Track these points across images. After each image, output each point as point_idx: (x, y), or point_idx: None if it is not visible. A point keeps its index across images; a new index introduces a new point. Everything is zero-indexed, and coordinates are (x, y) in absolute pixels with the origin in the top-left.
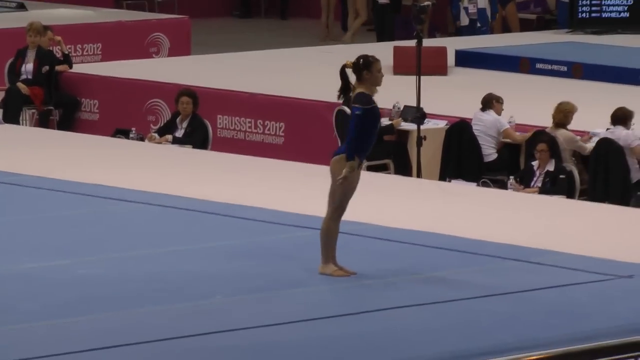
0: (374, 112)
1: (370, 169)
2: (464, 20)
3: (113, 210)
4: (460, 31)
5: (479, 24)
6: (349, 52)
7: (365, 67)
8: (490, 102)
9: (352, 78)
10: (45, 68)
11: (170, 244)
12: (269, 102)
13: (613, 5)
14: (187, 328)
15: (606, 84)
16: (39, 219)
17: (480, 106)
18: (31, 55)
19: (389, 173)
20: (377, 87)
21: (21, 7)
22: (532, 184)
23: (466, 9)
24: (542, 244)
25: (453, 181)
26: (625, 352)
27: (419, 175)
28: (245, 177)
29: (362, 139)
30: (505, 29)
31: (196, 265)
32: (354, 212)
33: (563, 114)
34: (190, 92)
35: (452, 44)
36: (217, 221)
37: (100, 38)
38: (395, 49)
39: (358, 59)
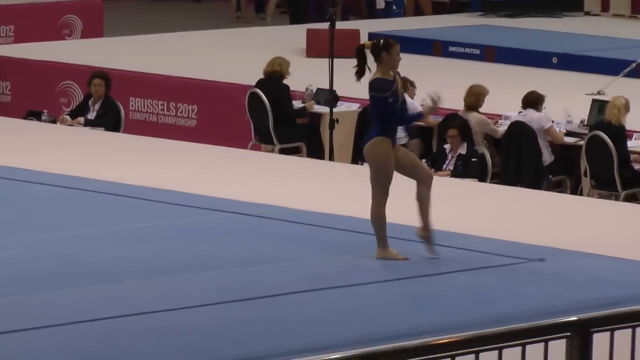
0: (394, 95)
1: (282, 151)
2: (380, 3)
3: (25, 192)
4: (376, 14)
5: (394, 7)
6: (261, 34)
7: (385, 48)
8: (404, 86)
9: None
10: None
11: (82, 226)
12: (182, 85)
13: None
14: (98, 311)
15: (518, 67)
16: None
17: None
18: None
19: (302, 156)
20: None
21: None
22: (444, 167)
23: None
24: (454, 227)
25: (365, 164)
26: (537, 336)
27: (331, 159)
28: (158, 160)
29: (386, 121)
30: (419, 12)
31: (108, 248)
32: (265, 196)
33: (475, 97)
34: (103, 74)
35: (366, 27)
36: (129, 204)
37: (12, 20)
38: (309, 31)
39: (378, 40)
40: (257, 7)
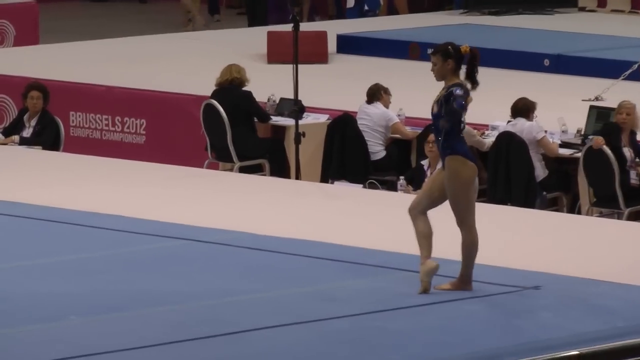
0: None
1: (243, 170)
2: (350, 2)
3: None
4: (346, 14)
5: (366, 7)
6: (216, 38)
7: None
8: (378, 94)
9: None
10: None
11: (16, 258)
12: (128, 97)
13: None
14: (37, 354)
15: (506, 71)
16: None
17: (366, 98)
18: None
19: (264, 174)
20: None
21: None
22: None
23: None
24: (437, 251)
25: (336, 182)
26: None
27: (297, 177)
28: (102, 181)
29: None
30: (392, 11)
31: (46, 282)
32: (224, 220)
33: None
34: (40, 86)
35: (334, 28)
36: (69, 231)
37: None
38: (269, 34)
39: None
40: (210, 8)
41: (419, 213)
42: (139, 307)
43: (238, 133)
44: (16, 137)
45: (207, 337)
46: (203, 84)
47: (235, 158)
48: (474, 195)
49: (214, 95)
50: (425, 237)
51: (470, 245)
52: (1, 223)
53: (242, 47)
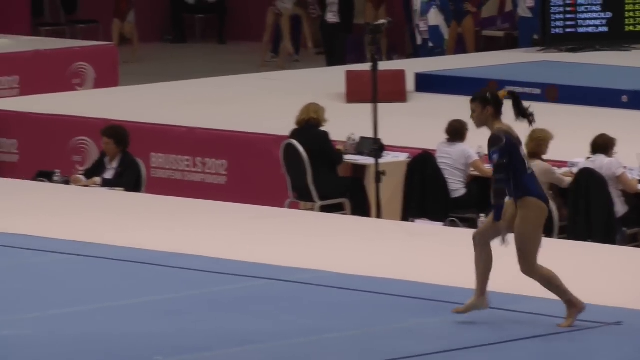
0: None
1: (323, 209)
2: (418, 40)
3: (36, 262)
4: (417, 52)
5: (430, 44)
6: (295, 78)
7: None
8: (460, 132)
9: None
10: None
11: (102, 299)
12: (209, 137)
13: (590, 19)
14: None
15: (585, 108)
16: None
17: (446, 136)
18: None
19: (345, 213)
20: None
21: None
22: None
23: (417, 26)
24: (518, 289)
25: (417, 221)
26: None
27: (378, 216)
28: (184, 222)
29: None
30: (461, 49)
31: (132, 323)
32: (307, 259)
33: (536, 143)
34: (110, 131)
35: (411, 67)
36: (153, 272)
37: (17, 70)
38: (348, 73)
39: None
40: (274, 48)
41: (483, 242)
42: (225, 346)
43: (318, 173)
44: (98, 179)
45: None
46: (283, 124)
47: (316, 197)
48: (541, 236)
49: (293, 134)
50: (484, 267)
51: (548, 281)
52: (87, 265)
53: (321, 86)
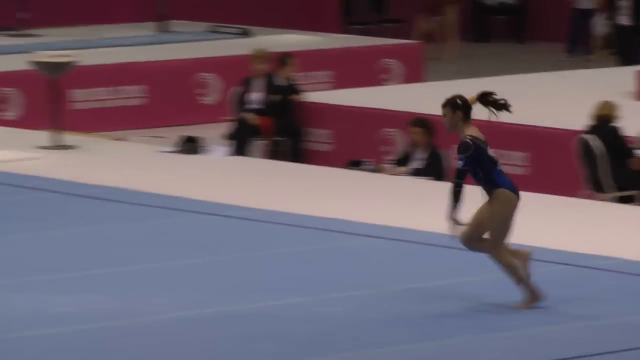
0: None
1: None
2: None
3: (351, 245)
4: None
5: None
6: (588, 77)
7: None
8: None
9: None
10: (277, 97)
11: (413, 281)
12: (510, 131)
13: None
14: None
15: None
16: (272, 255)
17: None
18: (257, 83)
19: (637, 205)
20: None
21: (245, 33)
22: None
23: None
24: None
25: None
26: None
27: None
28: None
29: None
30: None
31: (438, 303)
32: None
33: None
34: (420, 122)
35: None
36: (459, 256)
37: (331, 65)
38: (639, 73)
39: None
40: (569, 48)
41: (482, 241)
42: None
43: (611, 166)
44: (405, 169)
45: None
46: (577, 120)
47: (608, 189)
48: (510, 222)
49: (588, 129)
50: (518, 261)
51: (509, 269)
52: (400, 248)
53: (612, 85)
